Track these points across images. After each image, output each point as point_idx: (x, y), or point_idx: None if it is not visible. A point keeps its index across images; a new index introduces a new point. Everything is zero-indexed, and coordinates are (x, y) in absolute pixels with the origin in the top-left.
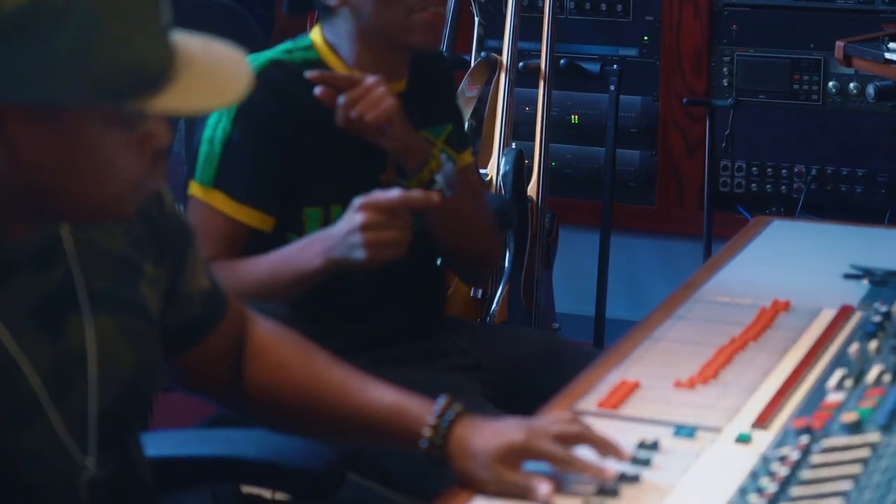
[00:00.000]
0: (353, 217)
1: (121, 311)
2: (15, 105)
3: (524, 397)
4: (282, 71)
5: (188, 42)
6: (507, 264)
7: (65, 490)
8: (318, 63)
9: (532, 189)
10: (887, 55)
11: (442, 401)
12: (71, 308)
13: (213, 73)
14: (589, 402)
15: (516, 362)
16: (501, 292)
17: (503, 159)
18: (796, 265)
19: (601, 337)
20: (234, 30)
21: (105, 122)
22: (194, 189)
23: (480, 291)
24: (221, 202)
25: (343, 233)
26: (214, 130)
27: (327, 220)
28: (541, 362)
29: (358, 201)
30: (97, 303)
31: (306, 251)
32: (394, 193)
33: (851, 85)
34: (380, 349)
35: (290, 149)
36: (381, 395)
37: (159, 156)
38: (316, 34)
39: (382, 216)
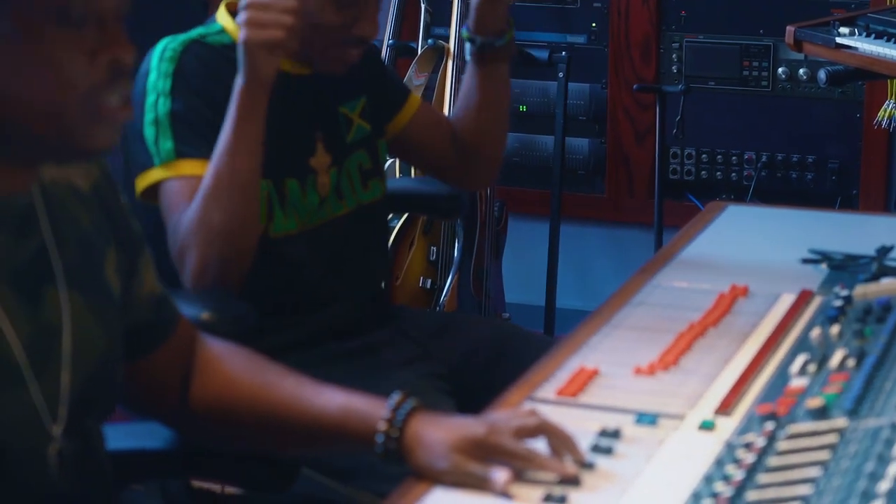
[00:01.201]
0: None
1: (91, 291)
2: None
3: (476, 387)
4: (206, 50)
5: None
6: (456, 254)
7: (34, 458)
8: (233, 47)
9: None
10: (838, 39)
11: (396, 395)
12: (47, 280)
13: None
14: (547, 391)
15: (467, 352)
16: (451, 282)
17: None
18: (753, 250)
19: (551, 327)
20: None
21: (44, 17)
22: (155, 175)
23: (430, 281)
24: (190, 167)
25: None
26: (155, 111)
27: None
28: (492, 351)
29: None
30: (71, 278)
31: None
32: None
33: (801, 71)
34: (328, 343)
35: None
36: (331, 399)
37: (119, 72)
38: (224, 18)
39: None
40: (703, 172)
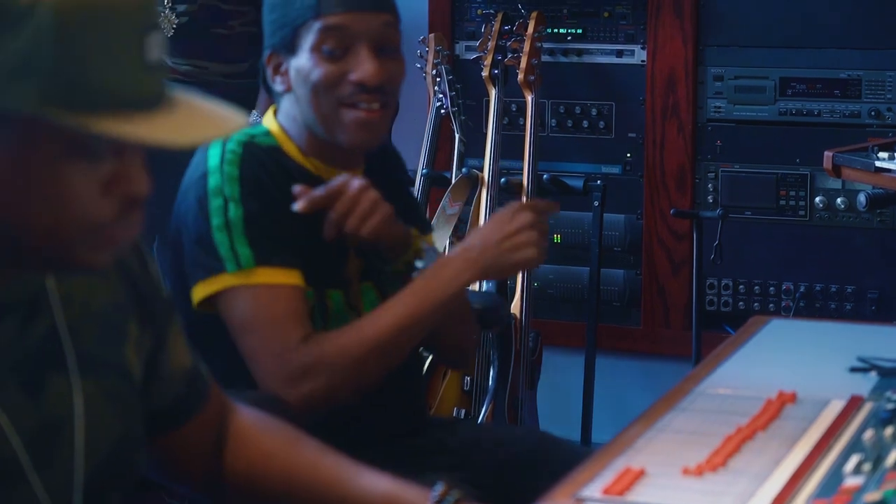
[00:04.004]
0: (515, 218)
1: (106, 375)
2: None
3: (515, 496)
4: (261, 151)
5: (192, 98)
6: (491, 382)
7: None
8: (278, 151)
9: (515, 307)
10: (878, 163)
11: (440, 486)
12: (55, 367)
13: (197, 112)
14: (593, 489)
15: (504, 461)
16: (485, 412)
17: None
18: (799, 359)
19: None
20: None
21: (63, 144)
22: (227, 280)
23: (464, 411)
24: (270, 275)
25: (499, 238)
26: (224, 216)
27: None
28: (530, 459)
29: (514, 205)
30: (84, 363)
31: (440, 277)
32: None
33: (839, 200)
34: (365, 450)
35: None
36: (375, 483)
37: (132, 204)
38: (270, 121)
39: (540, 216)
40: (741, 303)
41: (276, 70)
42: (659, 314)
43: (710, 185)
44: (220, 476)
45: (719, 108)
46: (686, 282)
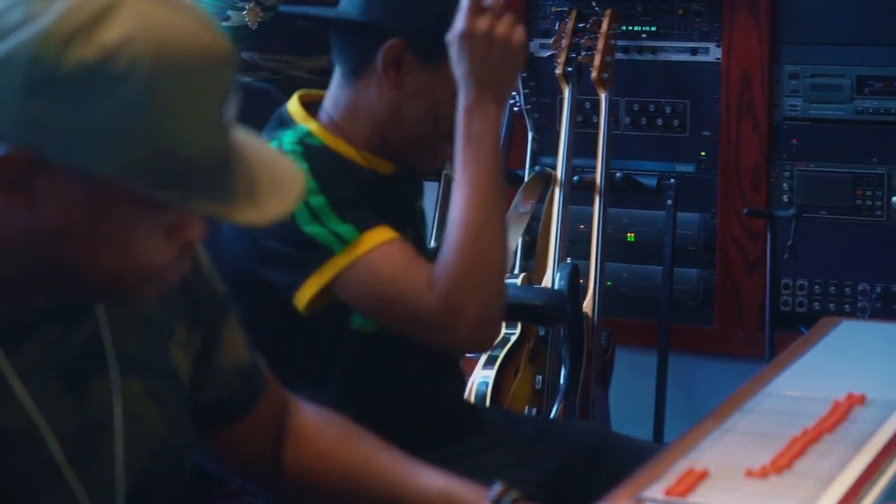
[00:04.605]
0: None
1: (150, 375)
2: (48, 160)
3: (575, 495)
4: (314, 146)
5: (247, 145)
6: (562, 381)
7: None
8: (328, 149)
9: (587, 306)
10: None
11: (498, 486)
12: (97, 369)
13: (263, 186)
14: (655, 491)
15: (564, 458)
16: (556, 411)
17: (558, 274)
18: (869, 362)
19: None
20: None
21: (138, 202)
22: (339, 263)
23: (535, 410)
24: (376, 237)
25: (479, 60)
26: (309, 209)
27: None
28: (591, 457)
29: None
30: (125, 365)
31: (472, 133)
32: None
33: None
34: (422, 450)
35: None
36: (432, 481)
37: (188, 249)
38: (308, 121)
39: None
40: (816, 304)
41: (393, 63)
42: (733, 314)
43: (785, 185)
44: (279, 471)
45: (795, 106)
46: (760, 281)
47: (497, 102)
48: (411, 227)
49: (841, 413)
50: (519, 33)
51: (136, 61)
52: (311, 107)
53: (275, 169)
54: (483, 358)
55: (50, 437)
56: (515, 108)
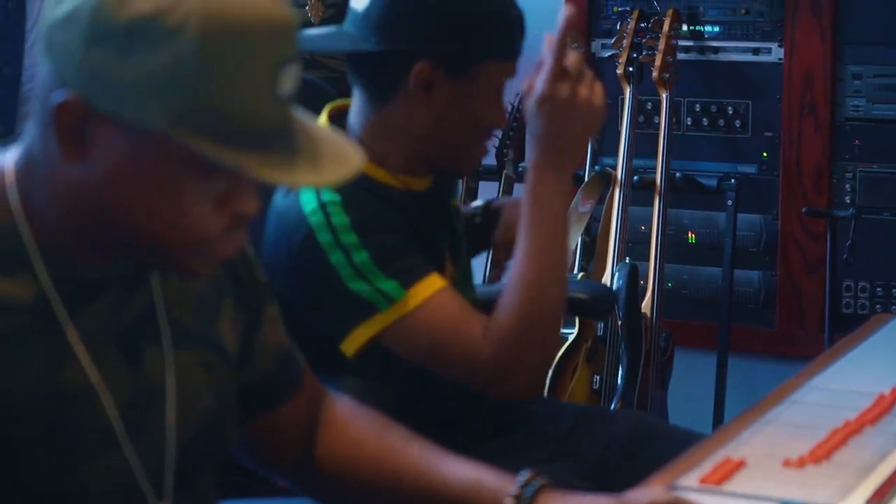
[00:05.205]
0: (553, 94)
1: (200, 348)
2: (100, 110)
3: (616, 481)
4: (353, 189)
5: (306, 121)
6: (619, 381)
7: None
8: (365, 178)
9: (646, 306)
10: None
11: (526, 473)
12: (151, 339)
13: (321, 154)
14: (691, 479)
15: (606, 446)
16: (614, 409)
17: (616, 274)
18: None
19: None
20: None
21: (186, 162)
22: (386, 319)
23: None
24: (423, 291)
25: (557, 128)
26: (351, 265)
27: None
28: (632, 444)
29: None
30: (178, 337)
31: (540, 199)
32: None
33: None
34: (469, 446)
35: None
36: (460, 470)
37: (240, 222)
38: None
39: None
40: (878, 306)
41: (424, 85)
42: (794, 316)
43: (847, 185)
44: (312, 464)
45: (858, 106)
46: (821, 283)
47: (570, 165)
48: (449, 231)
49: (885, 406)
50: (599, 96)
51: (188, 17)
52: (341, 117)
53: (333, 142)
54: None
55: (107, 399)
56: None
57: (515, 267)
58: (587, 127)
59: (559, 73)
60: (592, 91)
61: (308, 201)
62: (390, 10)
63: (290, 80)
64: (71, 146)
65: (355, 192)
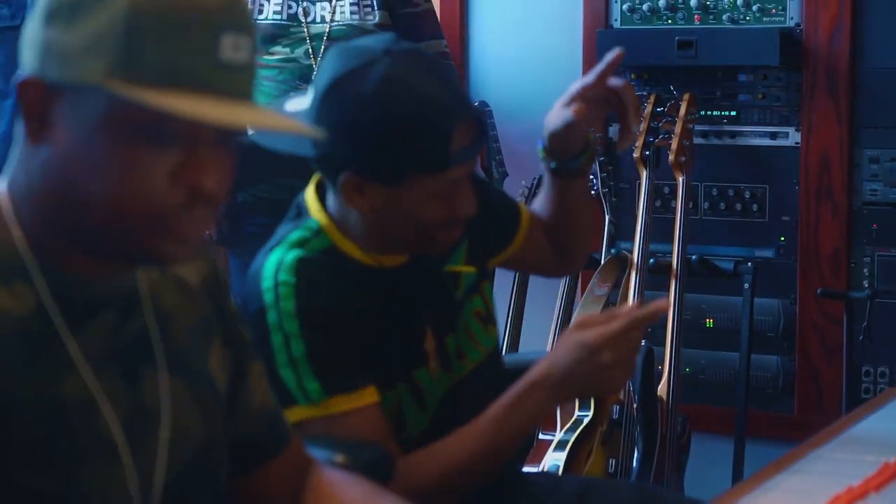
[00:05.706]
0: (595, 355)
1: (193, 378)
2: (49, 81)
3: None
4: (316, 269)
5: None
6: (635, 464)
7: None
8: (334, 250)
9: (662, 390)
10: None
11: None
12: (148, 361)
13: (261, 108)
14: None
15: None
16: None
17: None
18: None
19: None
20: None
21: (137, 131)
22: (302, 413)
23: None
24: (346, 402)
25: (584, 372)
26: (287, 352)
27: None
28: None
29: (600, 329)
30: (172, 364)
31: (523, 407)
32: (622, 316)
33: None
34: None
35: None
36: None
37: (199, 197)
38: (320, 214)
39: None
40: None
41: (356, 190)
42: (812, 401)
43: (865, 270)
44: None
45: (875, 190)
46: (840, 368)
47: (564, 402)
48: (430, 308)
49: (890, 474)
50: (628, 373)
51: None
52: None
53: (284, 112)
54: (555, 440)
55: (109, 413)
56: (592, 192)
57: (456, 440)
58: (600, 390)
59: (613, 336)
60: (626, 371)
61: (267, 276)
62: (319, 120)
63: (234, 48)
64: (35, 125)
65: (315, 274)
